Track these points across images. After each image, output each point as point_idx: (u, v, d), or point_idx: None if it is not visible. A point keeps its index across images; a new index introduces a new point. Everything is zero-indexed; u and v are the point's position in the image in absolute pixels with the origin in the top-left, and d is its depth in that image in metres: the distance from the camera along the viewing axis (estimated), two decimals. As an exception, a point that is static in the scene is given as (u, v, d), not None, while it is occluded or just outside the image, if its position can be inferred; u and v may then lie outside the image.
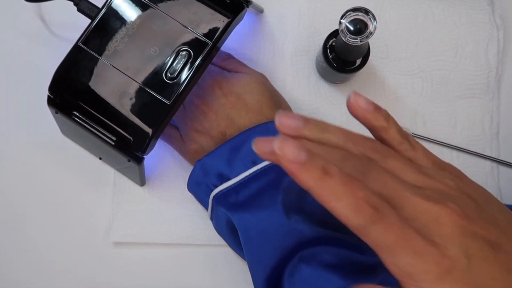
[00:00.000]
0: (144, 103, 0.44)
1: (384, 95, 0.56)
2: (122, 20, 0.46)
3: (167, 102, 0.45)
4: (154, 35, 0.46)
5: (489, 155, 0.55)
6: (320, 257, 0.42)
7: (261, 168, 0.46)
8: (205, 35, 0.46)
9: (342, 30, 0.44)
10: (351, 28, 0.44)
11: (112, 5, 0.46)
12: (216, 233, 0.51)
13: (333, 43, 0.51)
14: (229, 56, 0.54)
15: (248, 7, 0.48)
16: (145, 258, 0.55)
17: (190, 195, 0.52)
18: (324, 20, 0.56)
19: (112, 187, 0.55)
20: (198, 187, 0.49)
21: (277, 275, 0.44)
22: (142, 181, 0.53)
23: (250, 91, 0.50)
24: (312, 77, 0.56)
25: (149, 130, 0.45)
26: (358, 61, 0.51)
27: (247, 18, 0.50)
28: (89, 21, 0.46)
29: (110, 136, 0.45)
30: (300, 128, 0.30)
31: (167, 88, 0.45)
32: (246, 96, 0.50)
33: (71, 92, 0.46)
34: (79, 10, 0.49)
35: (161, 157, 0.54)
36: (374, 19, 0.44)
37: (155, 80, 0.45)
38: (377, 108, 0.33)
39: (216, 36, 0.46)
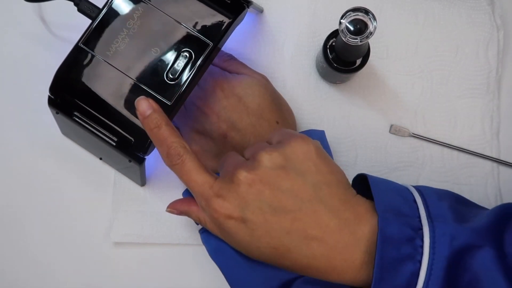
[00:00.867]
0: (145, 104, 0.44)
1: (384, 95, 0.56)
2: (123, 21, 0.46)
3: (168, 103, 0.45)
4: (155, 35, 0.46)
5: (489, 155, 0.55)
6: None
7: None
8: (206, 35, 0.46)
9: (342, 30, 0.44)
10: (351, 28, 0.44)
11: (113, 5, 0.46)
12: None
13: (333, 43, 0.51)
14: (230, 57, 0.54)
15: (248, 7, 0.48)
16: (145, 258, 0.55)
17: (190, 195, 0.52)
18: (324, 20, 0.56)
19: (112, 187, 0.55)
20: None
21: None
22: (142, 181, 0.53)
23: (252, 94, 0.50)
24: (312, 77, 0.56)
25: (150, 131, 0.45)
26: (358, 61, 0.51)
27: (247, 18, 0.50)
28: (89, 21, 0.46)
29: (111, 136, 0.45)
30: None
31: (168, 88, 0.45)
32: (247, 99, 0.50)
33: (72, 93, 0.46)
34: (79, 10, 0.49)
35: (162, 157, 0.54)
36: (374, 19, 0.44)
37: (156, 80, 0.45)
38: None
39: (217, 37, 0.46)
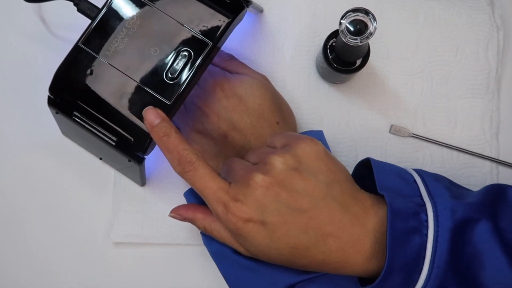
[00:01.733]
0: (145, 103, 0.44)
1: (384, 95, 0.56)
2: (122, 21, 0.46)
3: (168, 102, 0.45)
4: (154, 35, 0.46)
5: (489, 155, 0.55)
6: None
7: None
8: (205, 35, 0.46)
9: (342, 30, 0.44)
10: (351, 29, 0.44)
11: (112, 5, 0.46)
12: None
13: (333, 44, 0.51)
14: (231, 57, 0.54)
15: (248, 7, 0.48)
16: (145, 258, 0.55)
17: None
18: (324, 20, 0.56)
19: (112, 187, 0.55)
20: None
21: None
22: (142, 181, 0.53)
23: (252, 94, 0.50)
24: (312, 77, 0.56)
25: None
26: (358, 62, 0.51)
27: (247, 18, 0.50)
28: (89, 21, 0.46)
29: (110, 136, 0.45)
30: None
31: (167, 88, 0.45)
32: (248, 99, 0.50)
33: (72, 93, 0.46)
34: (79, 10, 0.49)
35: (162, 157, 0.53)
36: (374, 19, 0.44)
37: (156, 80, 0.45)
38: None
39: (216, 36, 0.46)
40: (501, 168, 0.56)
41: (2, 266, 0.55)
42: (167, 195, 0.55)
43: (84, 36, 0.46)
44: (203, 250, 0.53)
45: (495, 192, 0.43)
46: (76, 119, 0.46)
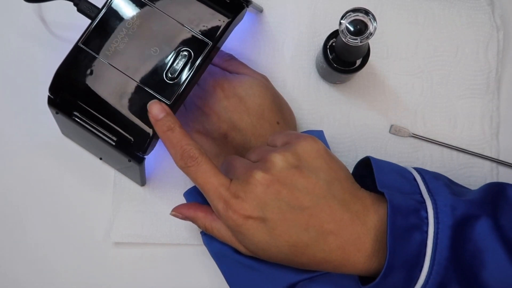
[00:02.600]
0: (145, 103, 0.44)
1: (384, 95, 0.56)
2: (122, 20, 0.46)
3: (168, 102, 0.45)
4: (154, 35, 0.46)
5: (489, 155, 0.55)
6: None
7: None
8: (205, 35, 0.46)
9: (342, 30, 0.44)
10: (351, 29, 0.44)
11: (112, 5, 0.46)
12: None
13: (333, 44, 0.51)
14: (231, 57, 0.54)
15: (248, 7, 0.48)
16: (145, 258, 0.55)
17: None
18: (324, 20, 0.56)
19: (112, 187, 0.55)
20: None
21: None
22: (142, 181, 0.53)
23: (252, 94, 0.50)
24: (312, 77, 0.56)
25: (149, 130, 0.45)
26: (358, 62, 0.51)
27: (246, 18, 0.50)
28: (89, 21, 0.46)
29: (110, 136, 0.45)
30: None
31: (167, 88, 0.45)
32: (248, 99, 0.50)
33: (72, 93, 0.46)
34: (79, 10, 0.49)
35: (162, 157, 0.54)
36: (374, 19, 0.44)
37: (156, 80, 0.45)
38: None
39: (216, 36, 0.46)
40: (501, 168, 0.56)
41: (2, 266, 0.55)
42: (167, 195, 0.55)
43: (84, 36, 0.46)
44: (203, 250, 0.53)
45: (495, 190, 0.43)
46: (76, 119, 0.46)
